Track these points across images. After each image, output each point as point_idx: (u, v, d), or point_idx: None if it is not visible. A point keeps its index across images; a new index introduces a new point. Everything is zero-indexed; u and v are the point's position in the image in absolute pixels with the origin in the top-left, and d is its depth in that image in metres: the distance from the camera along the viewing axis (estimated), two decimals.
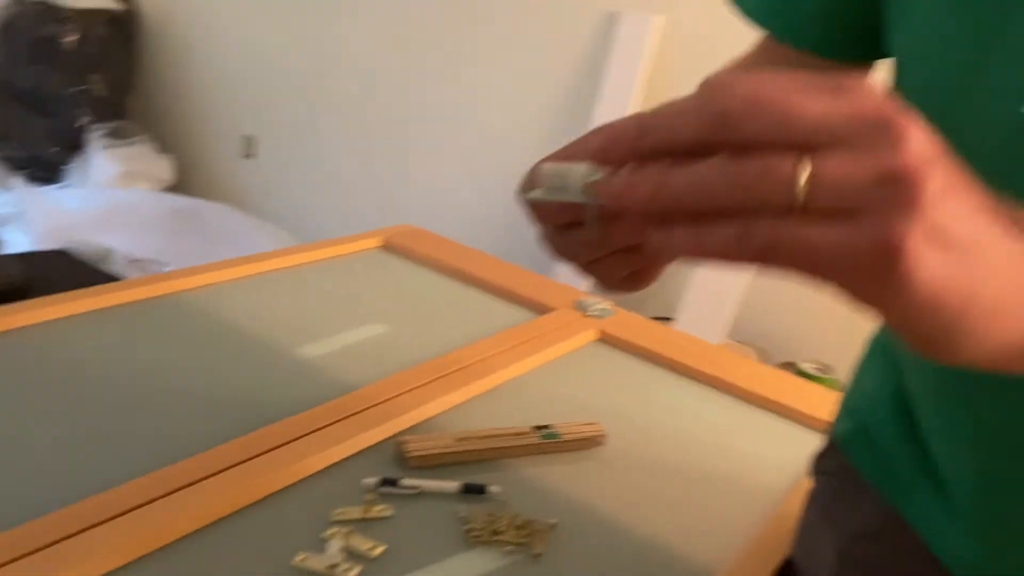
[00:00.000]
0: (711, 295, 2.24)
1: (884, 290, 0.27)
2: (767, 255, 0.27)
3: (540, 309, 1.08)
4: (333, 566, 0.58)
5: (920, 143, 0.26)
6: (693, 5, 2.25)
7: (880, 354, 0.62)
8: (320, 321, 0.98)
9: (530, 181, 0.37)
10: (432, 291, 1.13)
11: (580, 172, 0.33)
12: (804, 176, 0.26)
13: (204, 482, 0.64)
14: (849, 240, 0.26)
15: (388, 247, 1.25)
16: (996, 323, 0.28)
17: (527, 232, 2.70)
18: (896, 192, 0.26)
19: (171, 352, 0.86)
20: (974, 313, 0.28)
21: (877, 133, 0.26)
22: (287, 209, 3.33)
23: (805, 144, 0.27)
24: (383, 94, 2.94)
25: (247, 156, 3.42)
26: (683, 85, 2.24)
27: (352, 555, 0.60)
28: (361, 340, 0.95)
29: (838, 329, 1.81)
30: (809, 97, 0.27)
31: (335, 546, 0.59)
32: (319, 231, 3.13)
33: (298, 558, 0.58)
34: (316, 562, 0.58)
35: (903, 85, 0.51)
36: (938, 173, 0.27)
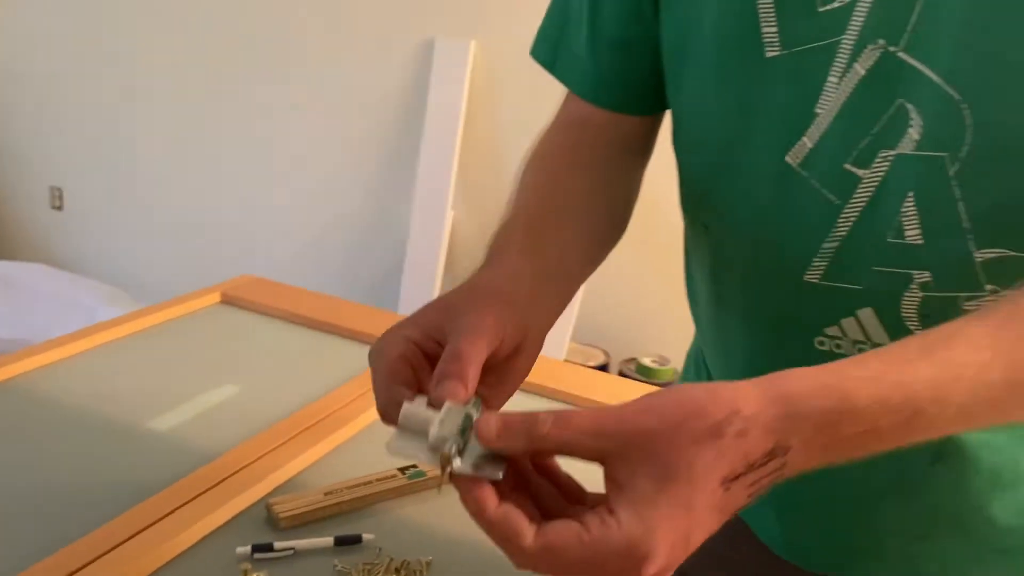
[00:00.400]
0: None
1: None
2: None
3: None
4: None
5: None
6: (501, 30, 2.35)
7: (693, 367, 0.70)
8: (169, 389, 0.96)
9: (391, 416, 0.44)
10: (282, 342, 1.13)
11: (435, 436, 0.41)
12: None
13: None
14: None
15: (228, 301, 1.24)
16: None
17: (365, 270, 2.71)
18: None
19: (13, 446, 0.82)
20: None
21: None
22: (105, 263, 3.15)
23: None
24: (199, 134, 2.85)
25: (56, 208, 3.21)
26: (502, 104, 2.33)
27: None
28: (216, 404, 0.94)
29: (672, 325, 1.94)
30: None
31: None
32: (143, 284, 2.98)
33: None
34: None
35: (681, 137, 0.59)
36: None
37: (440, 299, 0.50)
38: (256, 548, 0.68)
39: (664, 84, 0.60)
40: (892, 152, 0.50)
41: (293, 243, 2.77)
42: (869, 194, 0.51)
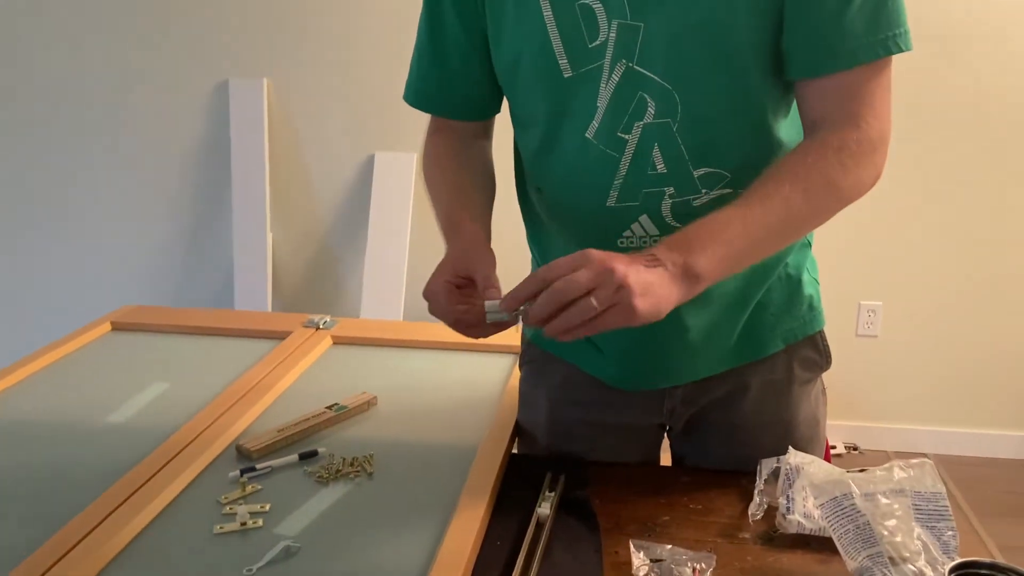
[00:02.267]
0: (381, 287, 2.59)
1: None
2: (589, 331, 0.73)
3: (279, 336, 1.35)
4: (244, 523, 0.83)
5: (625, 282, 0.72)
6: (292, 67, 2.57)
7: None
8: (105, 398, 1.14)
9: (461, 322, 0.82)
10: (185, 349, 1.33)
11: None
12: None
13: (117, 511, 0.84)
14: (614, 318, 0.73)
15: (119, 328, 1.41)
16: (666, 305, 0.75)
17: (196, 300, 2.82)
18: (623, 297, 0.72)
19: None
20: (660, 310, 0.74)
21: (613, 291, 0.72)
22: None
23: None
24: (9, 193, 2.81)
25: None
26: (301, 132, 2.57)
27: (251, 515, 0.85)
28: (153, 398, 1.14)
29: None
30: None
31: (241, 510, 0.84)
32: None
33: (216, 528, 0.82)
34: (230, 526, 0.83)
35: (519, 128, 0.92)
36: (633, 285, 0.72)
37: (453, 257, 0.85)
38: (244, 471, 0.92)
39: (494, 97, 0.95)
40: (641, 123, 0.84)
41: (125, 290, 2.81)
42: (633, 149, 0.85)
